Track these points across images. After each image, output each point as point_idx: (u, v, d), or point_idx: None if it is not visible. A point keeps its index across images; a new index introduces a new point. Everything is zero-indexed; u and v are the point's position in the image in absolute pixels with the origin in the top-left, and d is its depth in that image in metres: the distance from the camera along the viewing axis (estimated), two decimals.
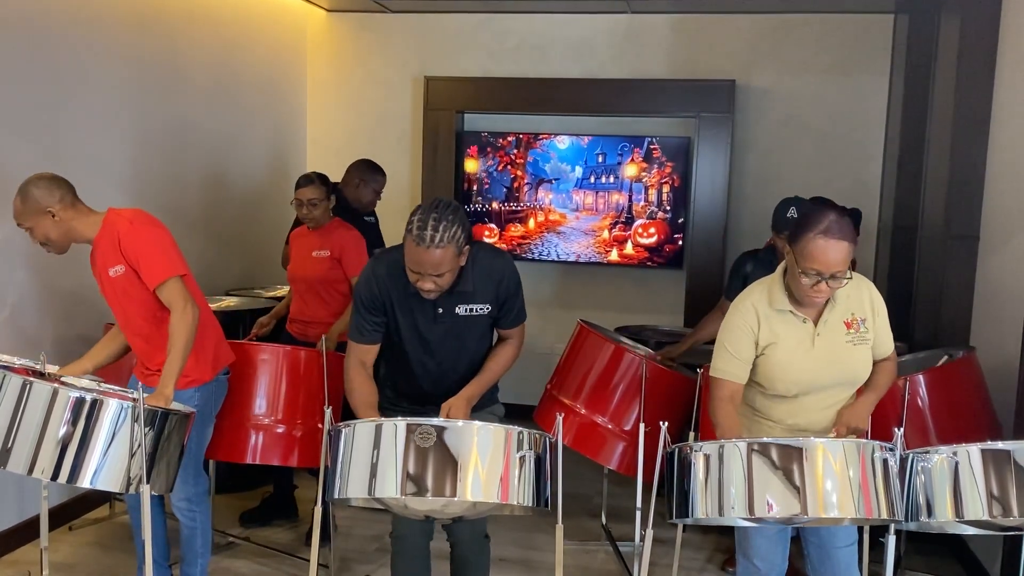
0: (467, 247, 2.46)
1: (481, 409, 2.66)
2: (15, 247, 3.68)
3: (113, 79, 4.18)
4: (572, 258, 5.79)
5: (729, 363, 2.49)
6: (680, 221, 5.61)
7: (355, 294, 2.63)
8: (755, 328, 2.46)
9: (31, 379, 2.49)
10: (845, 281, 2.35)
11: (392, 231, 5.79)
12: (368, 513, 4.08)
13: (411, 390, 2.70)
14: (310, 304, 3.96)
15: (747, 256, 3.80)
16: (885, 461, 2.23)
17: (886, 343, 2.55)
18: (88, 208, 2.92)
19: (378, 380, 2.72)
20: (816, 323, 2.45)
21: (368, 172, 4.52)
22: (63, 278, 3.91)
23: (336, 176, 5.23)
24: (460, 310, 2.57)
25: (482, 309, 2.59)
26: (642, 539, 2.58)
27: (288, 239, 4.20)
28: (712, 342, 4.11)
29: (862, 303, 2.48)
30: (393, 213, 6.01)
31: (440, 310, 2.56)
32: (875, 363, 2.55)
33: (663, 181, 5.62)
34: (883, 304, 2.52)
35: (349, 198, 4.44)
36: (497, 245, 5.53)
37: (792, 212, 3.51)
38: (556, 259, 5.80)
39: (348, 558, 3.79)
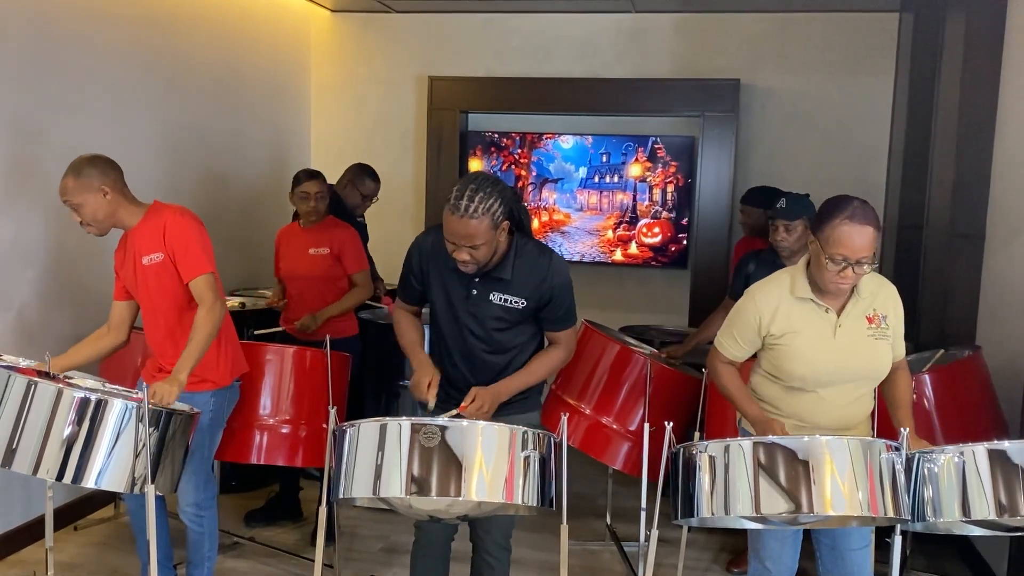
0: (506, 222, 2.46)
1: (515, 413, 2.61)
2: (23, 247, 3.68)
3: (117, 80, 4.18)
4: (576, 258, 5.79)
5: (732, 345, 2.57)
6: (684, 221, 5.61)
7: (406, 257, 2.69)
8: (766, 321, 2.47)
9: (36, 379, 2.49)
10: (869, 268, 2.34)
11: (395, 230, 5.82)
12: (373, 513, 4.08)
13: (451, 372, 2.68)
14: (309, 301, 3.97)
15: (750, 255, 3.79)
16: (891, 461, 2.23)
17: (900, 346, 2.55)
18: (133, 196, 2.95)
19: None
20: (839, 314, 2.44)
21: (357, 175, 4.58)
22: (70, 279, 3.92)
23: (338, 175, 5.25)
24: (494, 297, 2.55)
25: (517, 302, 2.55)
26: (647, 539, 2.58)
27: (277, 240, 4.21)
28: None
29: (885, 301, 2.49)
30: (397, 213, 6.03)
31: (474, 292, 2.56)
32: (891, 374, 2.54)
33: (667, 181, 5.61)
34: (901, 309, 2.53)
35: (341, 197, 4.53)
36: None
37: (781, 203, 3.51)
38: None
39: (353, 558, 3.78)
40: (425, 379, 2.55)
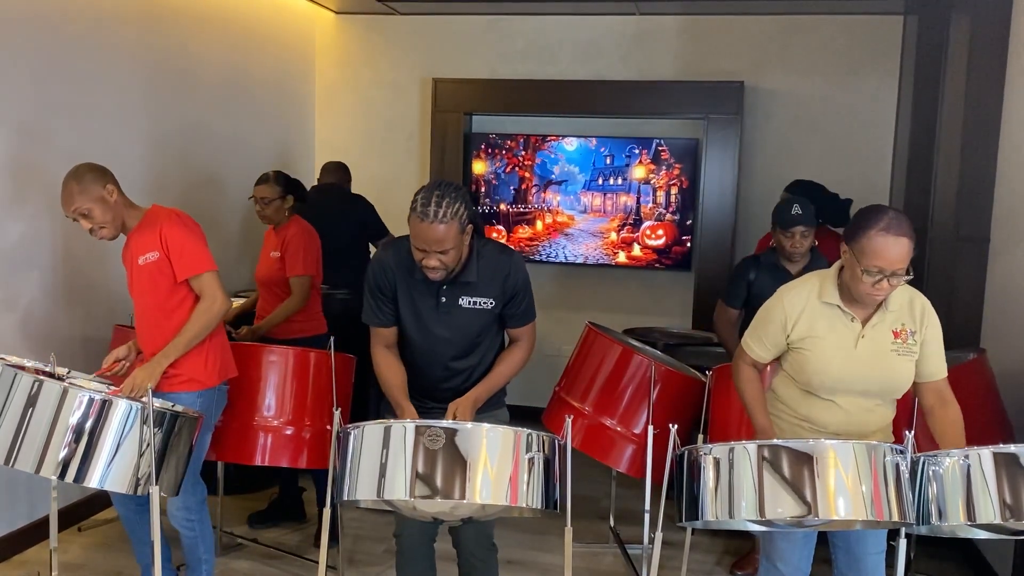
0: (470, 225, 2.49)
1: (485, 412, 2.65)
2: (29, 248, 3.69)
3: (123, 81, 4.19)
4: (580, 260, 5.79)
5: (757, 345, 2.57)
6: (688, 223, 5.60)
7: (365, 278, 2.67)
8: (791, 322, 2.46)
9: (42, 378, 2.49)
10: (905, 279, 2.32)
11: (398, 231, 5.80)
12: (376, 515, 4.08)
13: (419, 382, 2.69)
14: (270, 303, 3.98)
15: (749, 262, 3.77)
16: (896, 464, 2.22)
17: (938, 364, 2.48)
18: (130, 200, 2.98)
19: None
20: (864, 325, 2.43)
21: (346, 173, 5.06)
22: (76, 280, 3.93)
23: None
24: (463, 302, 2.58)
25: (486, 303, 2.59)
26: (651, 542, 2.58)
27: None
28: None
29: (914, 316, 2.45)
30: (402, 214, 6.01)
31: (443, 299, 2.58)
32: (935, 406, 2.49)
33: (671, 183, 5.61)
34: (937, 323, 2.47)
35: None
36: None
37: (796, 209, 3.50)
38: (564, 261, 5.79)
39: (356, 560, 3.79)
40: None
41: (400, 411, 2.56)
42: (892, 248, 2.26)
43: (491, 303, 2.60)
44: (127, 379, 2.79)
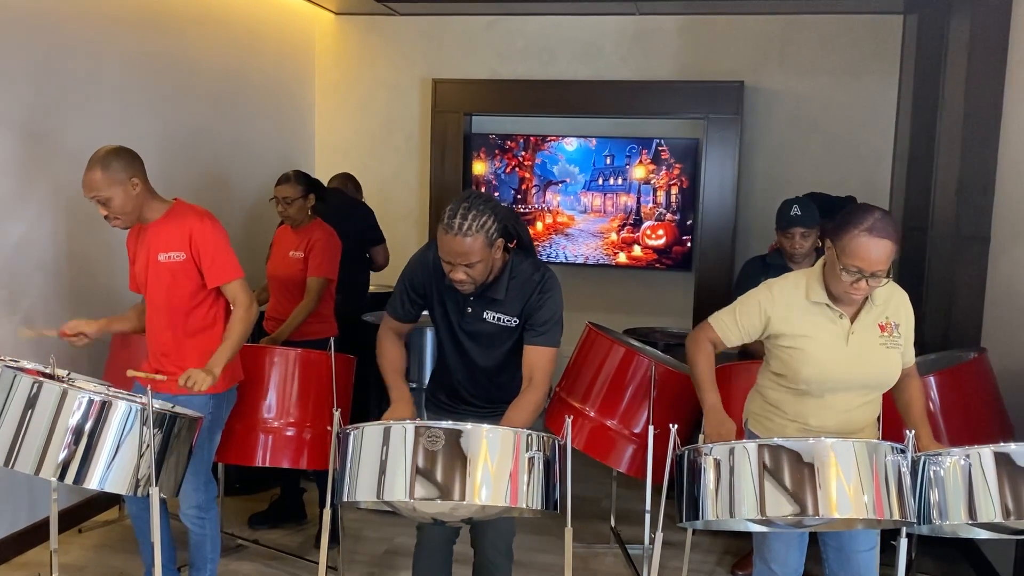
0: (500, 239, 2.46)
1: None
2: (31, 250, 3.69)
3: (122, 82, 4.19)
4: (580, 260, 5.78)
5: (730, 325, 2.53)
6: (688, 223, 5.60)
7: (404, 271, 2.67)
8: (774, 318, 2.46)
9: (41, 379, 2.49)
10: (884, 281, 2.33)
11: (399, 232, 5.81)
12: (377, 516, 4.08)
13: (450, 383, 2.72)
14: (285, 303, 3.96)
15: (757, 263, 3.75)
16: (897, 463, 2.22)
17: (910, 353, 2.54)
18: (154, 191, 2.94)
19: (433, 374, 2.81)
20: (853, 321, 2.43)
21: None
22: (78, 281, 3.93)
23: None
24: (488, 316, 2.57)
25: (510, 321, 2.58)
26: (651, 542, 2.57)
27: (273, 239, 4.21)
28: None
29: (897, 309, 2.48)
30: (403, 216, 6.05)
31: (469, 310, 2.58)
32: (902, 381, 2.54)
33: (671, 183, 5.61)
34: (913, 316, 2.53)
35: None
36: None
37: (796, 210, 3.50)
38: (564, 261, 5.79)
39: (357, 561, 3.78)
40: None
41: (393, 392, 2.57)
42: (873, 249, 2.26)
43: (515, 321, 2.58)
44: (183, 372, 2.78)
